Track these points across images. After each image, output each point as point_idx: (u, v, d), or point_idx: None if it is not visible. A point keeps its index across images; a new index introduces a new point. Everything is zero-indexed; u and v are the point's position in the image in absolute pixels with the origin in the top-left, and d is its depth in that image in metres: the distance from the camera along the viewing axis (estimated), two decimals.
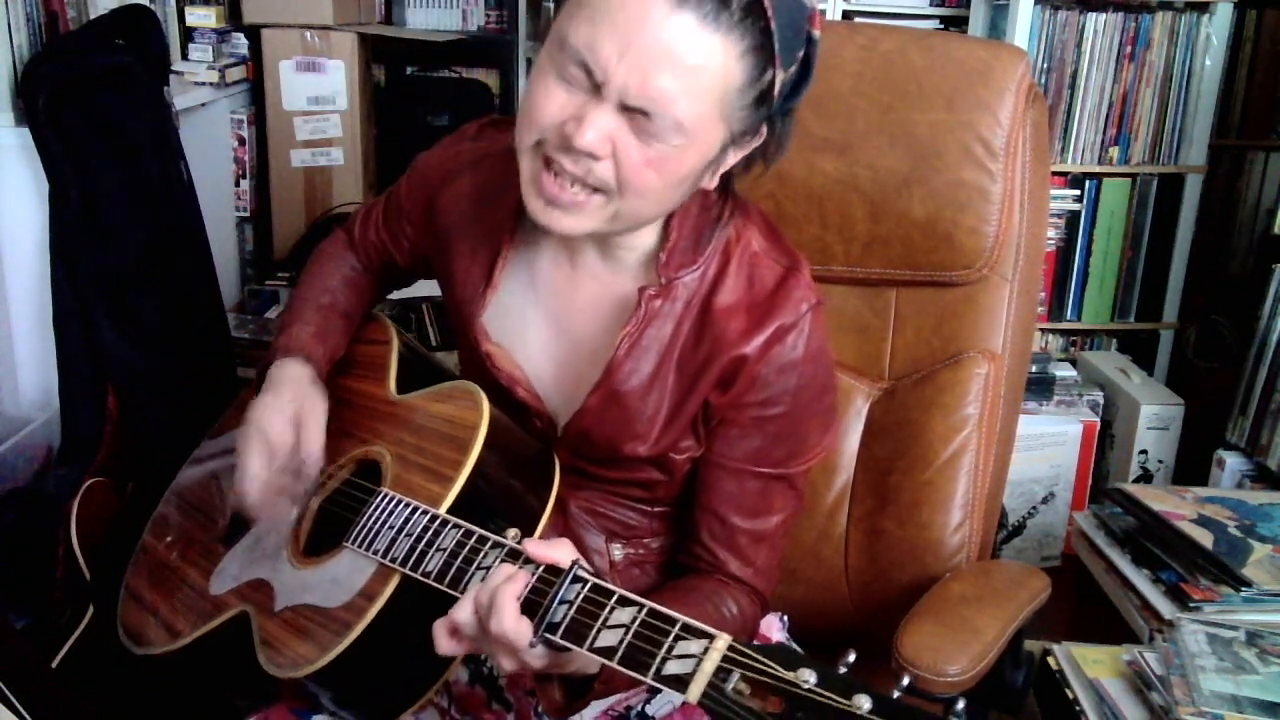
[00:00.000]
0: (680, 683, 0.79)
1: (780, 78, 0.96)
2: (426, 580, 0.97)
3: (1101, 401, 2.59)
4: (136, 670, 1.19)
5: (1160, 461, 2.53)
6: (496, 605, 0.88)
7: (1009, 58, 1.33)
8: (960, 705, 0.74)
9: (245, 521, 1.18)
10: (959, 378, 1.34)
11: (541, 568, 0.91)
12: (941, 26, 2.98)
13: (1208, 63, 2.65)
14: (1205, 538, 1.66)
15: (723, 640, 0.80)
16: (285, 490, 1.12)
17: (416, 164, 1.26)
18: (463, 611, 0.91)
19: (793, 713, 0.74)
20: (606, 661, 0.84)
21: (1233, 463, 2.28)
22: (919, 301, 1.38)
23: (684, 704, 1.11)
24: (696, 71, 0.92)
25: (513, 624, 0.87)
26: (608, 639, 0.84)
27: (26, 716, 1.17)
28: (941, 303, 1.37)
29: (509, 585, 0.89)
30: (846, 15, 2.89)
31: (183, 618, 1.16)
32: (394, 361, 1.25)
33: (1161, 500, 1.77)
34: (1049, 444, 2.47)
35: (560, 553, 0.92)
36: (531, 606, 0.88)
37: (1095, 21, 2.60)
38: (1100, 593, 1.78)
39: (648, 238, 1.10)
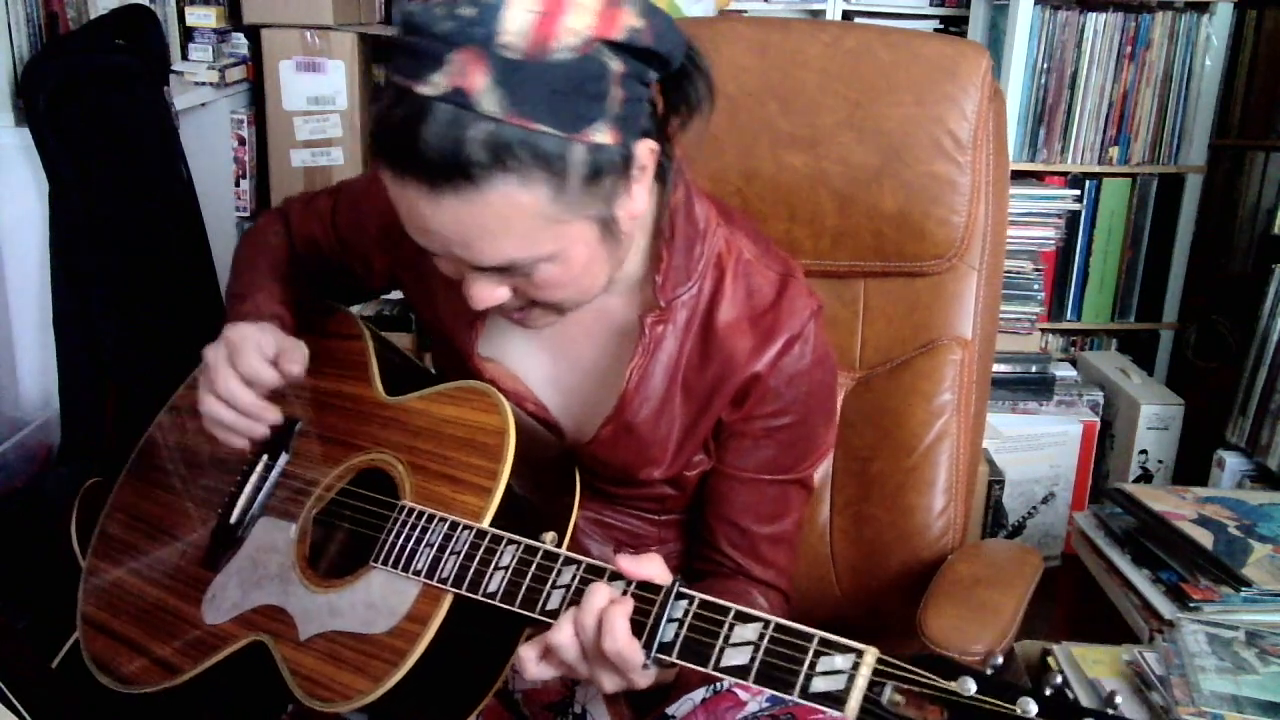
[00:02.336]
0: (835, 700, 0.78)
1: (602, 138, 0.89)
2: (491, 601, 0.94)
3: (1101, 401, 2.59)
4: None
5: (1160, 461, 2.53)
6: (609, 626, 0.86)
7: (973, 54, 1.37)
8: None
9: (231, 542, 1.13)
10: (935, 365, 1.37)
11: (634, 585, 0.89)
12: (941, 27, 2.98)
13: (1208, 63, 2.65)
14: (1205, 538, 1.65)
15: (871, 654, 0.79)
16: (260, 415, 1.07)
17: (378, 176, 1.22)
18: (562, 635, 0.88)
19: None
20: (742, 681, 0.82)
21: (1233, 463, 2.28)
22: (887, 292, 1.41)
23: (705, 700, 1.11)
24: (501, 224, 0.88)
25: (627, 644, 0.86)
26: (736, 658, 0.83)
27: (26, 717, 1.17)
28: (910, 292, 1.40)
29: (619, 607, 0.87)
30: (847, 15, 2.89)
31: (177, 652, 1.10)
32: (374, 360, 1.19)
33: (1161, 500, 1.77)
34: (1049, 444, 2.47)
35: (653, 568, 0.90)
36: (635, 626, 0.86)
37: (1095, 21, 2.60)
38: (1100, 593, 1.77)
39: (634, 264, 1.07)
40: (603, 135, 0.89)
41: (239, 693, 1.11)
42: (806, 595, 1.35)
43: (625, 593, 0.89)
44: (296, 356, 1.08)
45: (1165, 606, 1.59)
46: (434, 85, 0.84)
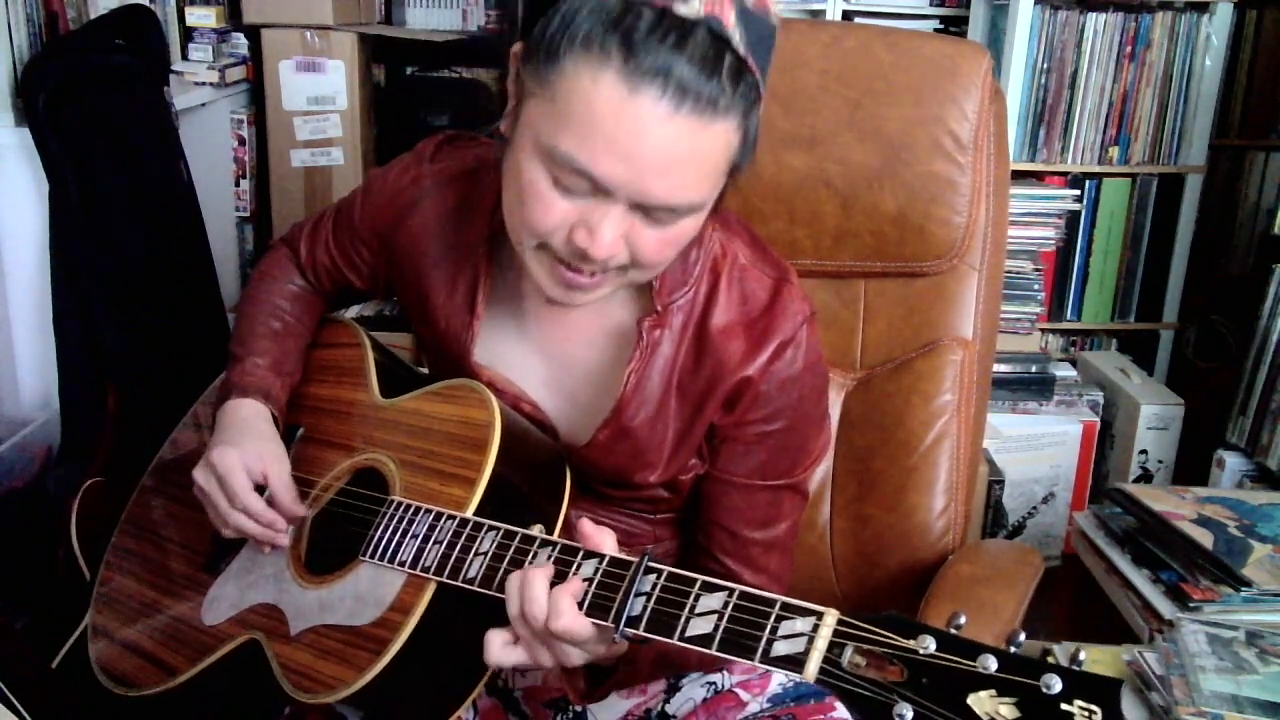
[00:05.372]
0: (794, 663, 0.78)
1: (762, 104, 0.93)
2: (470, 587, 0.94)
3: (1101, 401, 2.59)
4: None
5: (1160, 461, 2.53)
6: (542, 604, 0.88)
7: (973, 54, 1.36)
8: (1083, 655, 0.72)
9: (230, 546, 1.14)
10: (935, 365, 1.37)
11: (606, 561, 0.89)
12: (941, 27, 2.98)
13: (1208, 63, 2.65)
14: (1205, 538, 1.65)
15: (831, 615, 0.79)
16: (274, 539, 1.10)
17: (371, 185, 1.22)
18: (510, 609, 0.90)
19: (917, 679, 0.72)
20: (705, 650, 0.82)
21: (1233, 463, 2.28)
22: (888, 292, 1.41)
23: (705, 700, 1.11)
24: (705, 159, 0.89)
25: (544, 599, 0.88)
26: (700, 627, 0.83)
27: (26, 716, 1.17)
28: (911, 293, 1.40)
29: (537, 571, 0.89)
30: (847, 15, 2.89)
31: (177, 654, 1.11)
32: (371, 365, 1.21)
33: (1161, 500, 1.77)
34: (1049, 444, 2.47)
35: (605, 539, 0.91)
36: (603, 602, 0.87)
37: (1095, 21, 2.61)
38: (1100, 593, 1.77)
39: None
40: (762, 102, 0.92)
41: (236, 693, 1.11)
42: (806, 595, 1.33)
43: (598, 570, 0.89)
44: (283, 486, 1.10)
45: (1165, 606, 1.59)
46: (691, 8, 0.84)
